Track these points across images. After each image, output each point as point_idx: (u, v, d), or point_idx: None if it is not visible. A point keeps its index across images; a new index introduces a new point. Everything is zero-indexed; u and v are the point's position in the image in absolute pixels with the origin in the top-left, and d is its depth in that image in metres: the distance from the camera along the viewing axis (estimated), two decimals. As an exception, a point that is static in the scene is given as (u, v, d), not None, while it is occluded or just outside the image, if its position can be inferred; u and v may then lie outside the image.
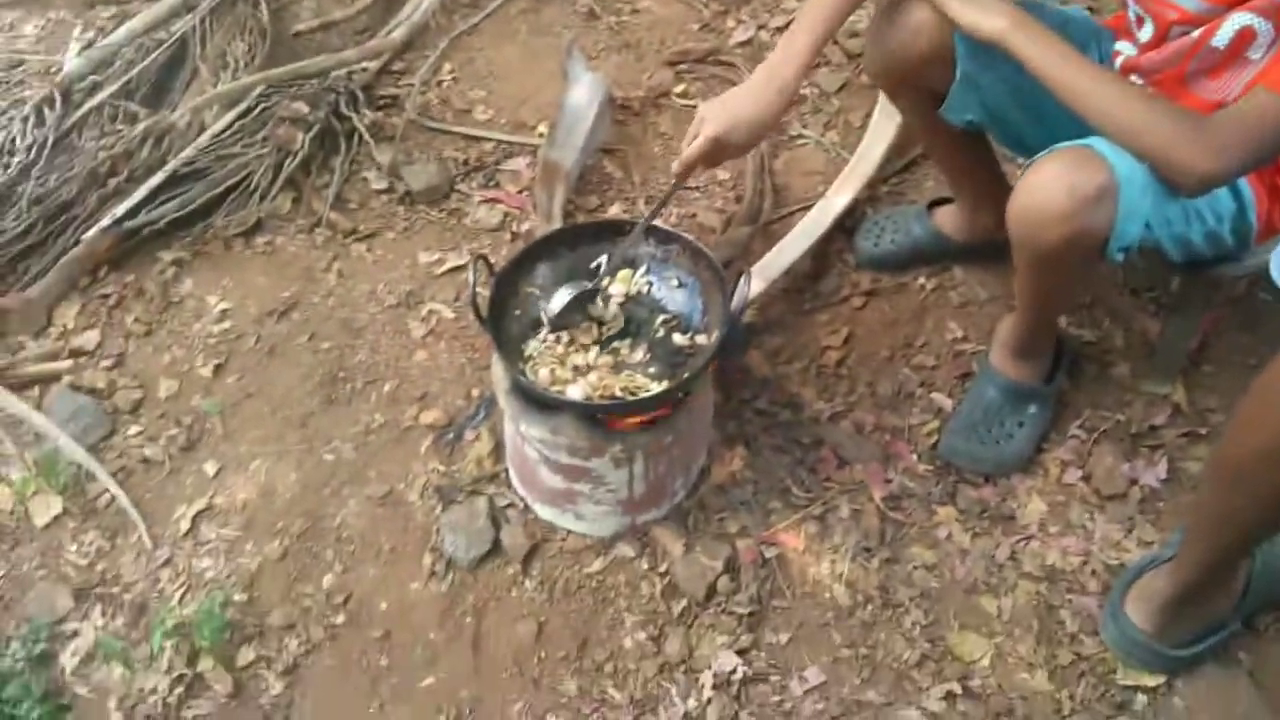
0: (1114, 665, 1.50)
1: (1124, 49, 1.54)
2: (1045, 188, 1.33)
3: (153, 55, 2.34)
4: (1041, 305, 1.59)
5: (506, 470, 1.71)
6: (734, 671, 1.51)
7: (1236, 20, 1.32)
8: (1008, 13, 1.34)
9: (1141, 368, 1.80)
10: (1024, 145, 1.62)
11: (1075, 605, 1.56)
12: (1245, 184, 1.43)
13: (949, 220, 1.92)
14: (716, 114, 1.44)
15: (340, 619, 1.59)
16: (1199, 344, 1.82)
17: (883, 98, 2.20)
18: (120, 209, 2.04)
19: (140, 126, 2.15)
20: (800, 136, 2.29)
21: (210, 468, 1.77)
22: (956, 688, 1.49)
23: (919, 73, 1.57)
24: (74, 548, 1.69)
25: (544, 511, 1.66)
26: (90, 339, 1.95)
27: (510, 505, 1.68)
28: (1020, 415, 1.70)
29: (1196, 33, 1.37)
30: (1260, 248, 1.55)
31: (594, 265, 1.64)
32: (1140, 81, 1.50)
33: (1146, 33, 1.46)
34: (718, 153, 1.46)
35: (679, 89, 2.41)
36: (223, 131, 2.17)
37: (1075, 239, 1.34)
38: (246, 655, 1.56)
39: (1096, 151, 1.31)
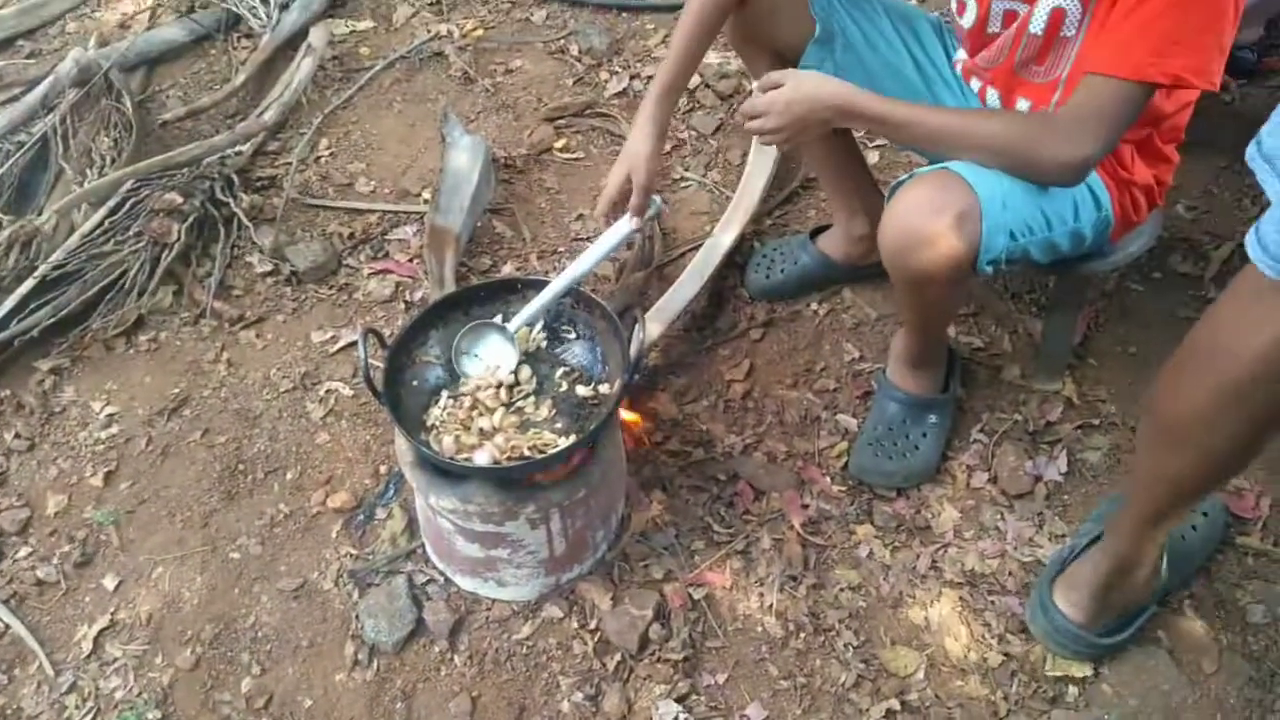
0: (1042, 659, 1.53)
1: (960, 57, 1.66)
2: (911, 214, 1.39)
3: (12, 159, 2.25)
4: (925, 320, 1.64)
5: (422, 546, 1.67)
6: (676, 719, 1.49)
7: (1046, 4, 1.42)
8: (843, 88, 1.44)
9: (1030, 367, 1.87)
10: None
11: (999, 606, 1.59)
12: (1098, 180, 1.50)
13: (831, 243, 1.97)
14: (619, 162, 1.60)
15: (263, 722, 1.52)
16: (1081, 339, 1.89)
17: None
18: (-11, 321, 1.95)
19: (4, 233, 2.05)
20: (683, 179, 2.32)
21: (110, 582, 1.69)
22: (895, 704, 1.49)
23: (760, 29, 1.66)
24: (-33, 686, 1.58)
25: (465, 583, 1.62)
26: (-33, 461, 1.85)
27: (430, 581, 1.64)
28: (922, 426, 1.74)
29: (1013, 26, 1.48)
30: (1121, 242, 1.63)
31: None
32: (979, 82, 1.62)
33: (969, 18, 1.55)
34: (627, 193, 1.60)
35: (560, 143, 2.43)
36: (93, 230, 2.09)
37: (945, 259, 1.39)
38: (167, 775, 1.48)
39: (955, 173, 1.37)
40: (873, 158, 2.26)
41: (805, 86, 1.43)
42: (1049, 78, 1.49)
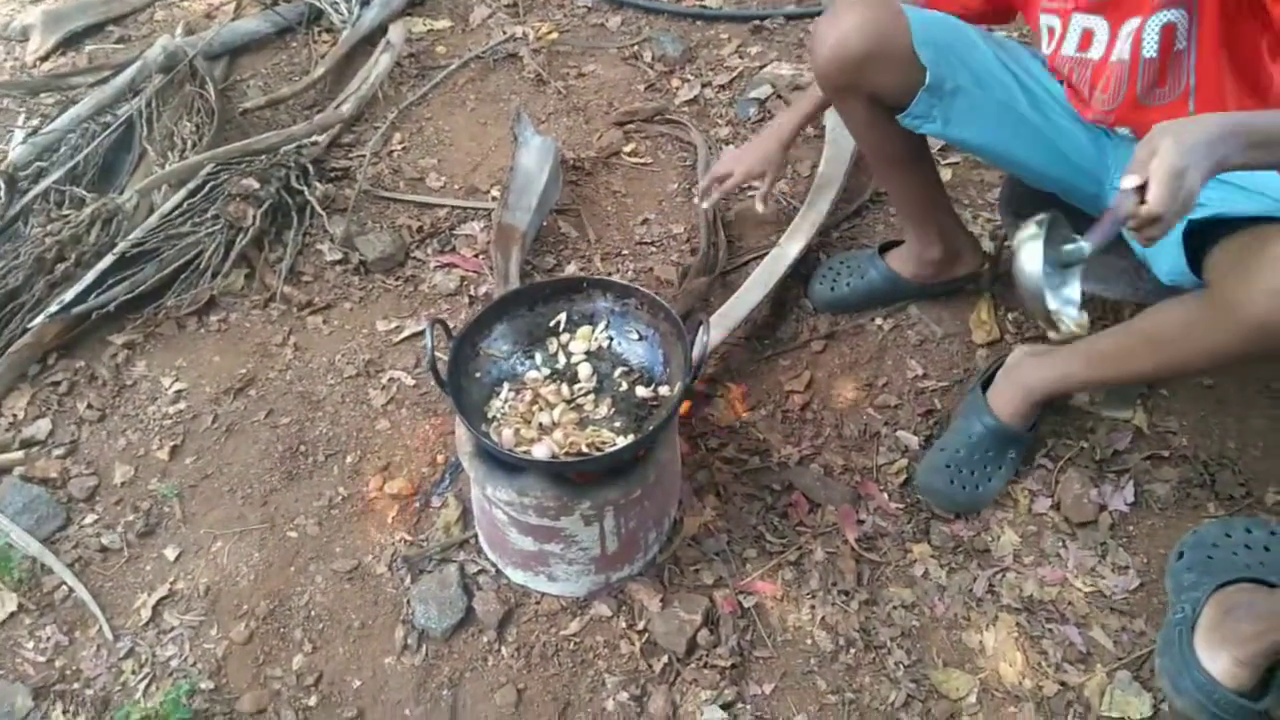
0: (1099, 693, 1.50)
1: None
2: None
3: (98, 139, 2.34)
4: (909, 196, 1.72)
5: (476, 536, 1.69)
6: (720, 726, 1.49)
7: (1155, 24, 1.37)
8: (1217, 116, 1.19)
9: (1100, 394, 1.83)
10: (998, 156, 1.68)
11: (1057, 634, 1.57)
12: None
13: (900, 260, 1.96)
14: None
15: (312, 700, 1.55)
16: (1154, 367, 1.85)
17: (827, 147, 2.26)
18: (68, 294, 2.01)
19: (87, 210, 2.13)
20: (751, 189, 2.32)
21: (170, 553, 1.73)
22: (945, 727, 1.48)
23: (859, 75, 1.59)
24: (31, 644, 1.63)
25: (516, 575, 1.64)
26: (41, 428, 1.91)
27: (481, 571, 1.66)
28: (1002, 459, 1.71)
29: (1126, 55, 1.42)
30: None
31: (553, 324, 1.65)
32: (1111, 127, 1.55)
33: (1047, 41, 1.52)
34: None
35: (628, 148, 2.45)
36: (172, 211, 2.16)
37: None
38: (215, 745, 1.51)
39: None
40: (945, 175, 2.24)
41: (1185, 137, 1.14)
42: (1176, 95, 1.44)
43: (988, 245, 2.05)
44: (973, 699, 1.51)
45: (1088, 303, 1.26)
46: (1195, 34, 1.37)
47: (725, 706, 1.50)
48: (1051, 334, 1.23)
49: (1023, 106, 1.58)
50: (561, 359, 1.63)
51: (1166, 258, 1.40)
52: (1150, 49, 1.40)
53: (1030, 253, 1.17)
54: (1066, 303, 1.21)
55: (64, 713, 1.55)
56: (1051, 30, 1.53)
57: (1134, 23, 1.40)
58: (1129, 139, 1.54)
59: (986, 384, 1.74)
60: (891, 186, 1.88)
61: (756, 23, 2.76)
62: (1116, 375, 1.59)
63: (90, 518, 1.79)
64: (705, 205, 2.10)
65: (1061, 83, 1.61)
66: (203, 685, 1.56)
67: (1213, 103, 1.41)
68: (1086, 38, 1.47)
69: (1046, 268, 1.17)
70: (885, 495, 1.74)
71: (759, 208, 2.02)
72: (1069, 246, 1.20)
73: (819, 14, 2.68)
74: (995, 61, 1.58)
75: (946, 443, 1.73)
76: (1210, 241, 1.33)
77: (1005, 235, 1.82)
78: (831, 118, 2.33)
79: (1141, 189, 1.15)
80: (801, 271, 2.06)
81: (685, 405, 1.80)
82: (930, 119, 1.58)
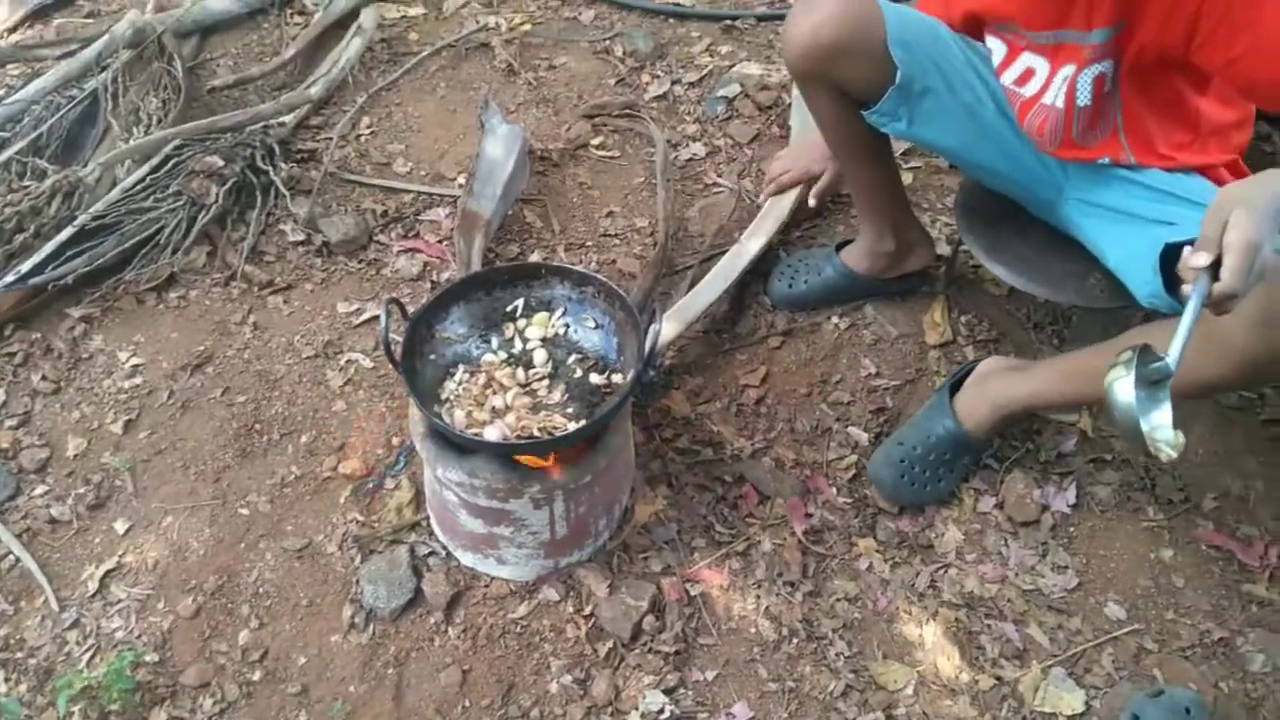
0: (1033, 689, 1.53)
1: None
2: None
3: (63, 111, 2.33)
4: (867, 187, 1.78)
5: (427, 518, 1.70)
6: (661, 711, 1.51)
7: (1089, 75, 1.43)
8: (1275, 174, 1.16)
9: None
10: (960, 158, 1.72)
11: (994, 630, 1.60)
12: None
13: (855, 256, 1.99)
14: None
15: (257, 675, 1.56)
16: (1099, 373, 1.90)
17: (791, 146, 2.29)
18: (26, 265, 2.00)
19: (48, 182, 2.12)
20: (715, 185, 2.35)
21: (120, 526, 1.73)
22: (882, 717, 1.51)
23: (828, 66, 1.60)
24: (-27, 614, 1.63)
25: (466, 558, 1.65)
26: (-7, 398, 1.90)
27: (432, 553, 1.67)
28: (956, 465, 1.73)
29: (1060, 103, 1.47)
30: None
31: (510, 309, 1.66)
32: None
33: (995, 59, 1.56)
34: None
35: (596, 141, 2.47)
36: (134, 186, 2.15)
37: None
38: (158, 717, 1.51)
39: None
40: (906, 179, 2.27)
41: (1258, 204, 1.10)
42: (1108, 133, 1.50)
43: (944, 249, 2.09)
44: (910, 691, 1.54)
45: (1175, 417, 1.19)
46: (1118, 79, 1.43)
47: (667, 692, 1.53)
48: (1151, 459, 1.20)
49: (989, 111, 1.61)
50: (518, 344, 1.65)
51: (1142, 279, 1.41)
52: (1084, 98, 1.45)
53: (1123, 388, 1.14)
54: (1158, 427, 1.18)
55: (5, 680, 1.55)
56: (993, 52, 1.56)
57: (1068, 70, 1.45)
58: None
59: (956, 387, 1.76)
60: (851, 177, 1.91)
61: (728, 22, 2.78)
62: (1090, 397, 1.59)
63: (40, 489, 1.78)
64: (764, 200, 2.14)
65: None
66: (147, 658, 1.56)
67: (1140, 134, 1.48)
68: (1027, 74, 1.52)
69: (1139, 392, 1.15)
70: (834, 490, 1.77)
71: (811, 203, 2.05)
72: (1155, 365, 1.17)
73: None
74: (966, 64, 1.61)
75: (905, 437, 1.74)
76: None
77: (960, 240, 1.85)
78: (796, 118, 2.36)
79: (1215, 264, 1.10)
80: (762, 269, 2.09)
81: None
82: (896, 118, 1.61)
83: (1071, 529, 1.72)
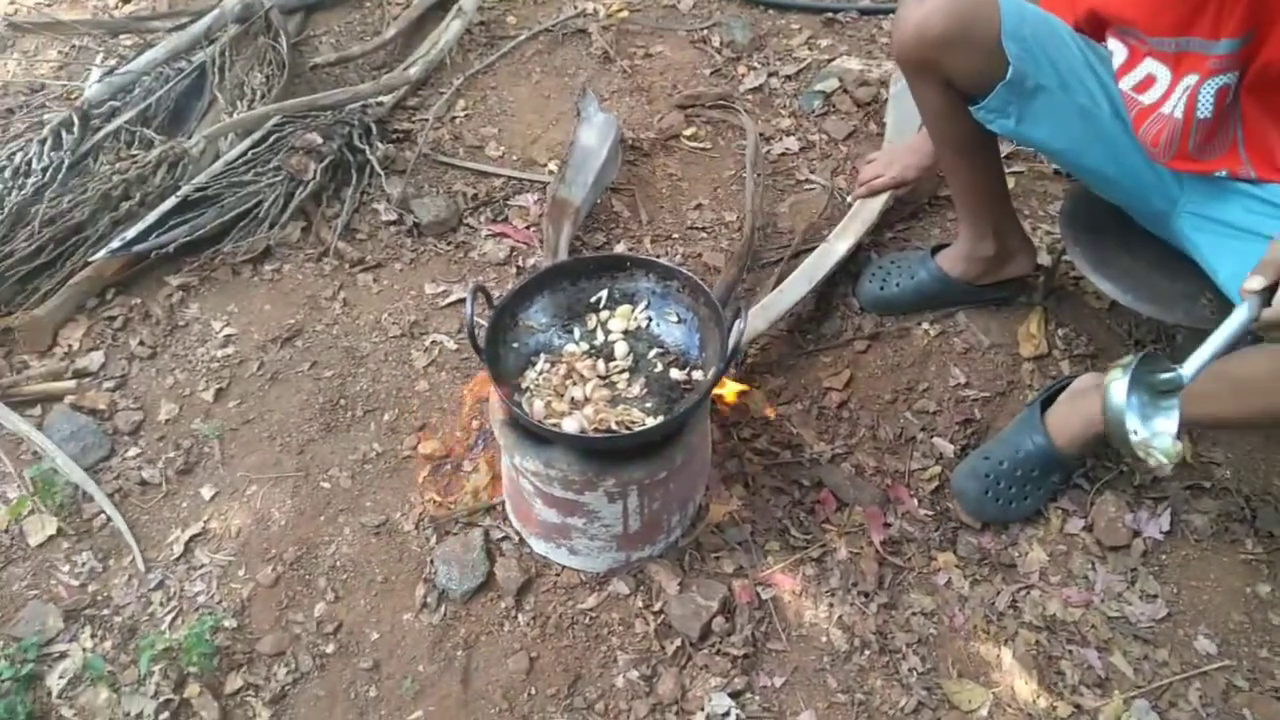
0: (1115, 718, 1.48)
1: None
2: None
3: (171, 83, 2.39)
4: (970, 186, 1.72)
5: (503, 503, 1.71)
6: (727, 714, 1.49)
7: (1212, 86, 1.36)
8: None
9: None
10: (1069, 162, 1.65)
11: (1076, 656, 1.55)
12: None
13: (951, 259, 1.93)
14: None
15: (330, 648, 1.58)
16: (1204, 396, 1.81)
17: (887, 144, 2.23)
18: (130, 232, 2.06)
19: (155, 152, 2.18)
20: (808, 181, 2.31)
21: (207, 492, 1.78)
22: (953, 738, 1.47)
23: (938, 55, 1.56)
24: (67, 568, 1.68)
25: (539, 545, 1.65)
26: (94, 360, 1.96)
27: (505, 538, 1.68)
28: (1044, 483, 1.68)
29: (1180, 114, 1.41)
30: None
31: (593, 300, 1.65)
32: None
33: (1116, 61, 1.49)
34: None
35: (689, 132, 2.44)
36: (236, 160, 2.20)
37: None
38: (234, 682, 1.55)
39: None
40: (1008, 183, 2.20)
41: None
42: (1226, 147, 1.44)
43: (1045, 258, 2.02)
44: (984, 712, 1.50)
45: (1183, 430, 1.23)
46: (1240, 91, 1.37)
47: (734, 695, 1.51)
48: (1141, 467, 1.21)
49: (1105, 114, 1.54)
50: (599, 335, 1.64)
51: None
52: (1205, 110, 1.39)
53: (1117, 389, 1.16)
54: (1158, 434, 1.19)
55: (92, 636, 1.60)
56: (1114, 55, 1.50)
57: (1191, 80, 1.38)
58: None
59: (1047, 403, 1.70)
60: (953, 174, 1.84)
61: (829, 15, 2.73)
62: (1194, 417, 1.48)
63: (133, 451, 1.84)
64: (853, 200, 2.10)
65: None
66: (226, 623, 1.60)
67: (1261, 148, 1.41)
68: (1147, 81, 1.45)
69: (1143, 396, 1.17)
70: (915, 501, 1.73)
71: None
72: (1165, 375, 1.17)
73: (893, 10, 2.64)
74: (1084, 65, 1.54)
75: (991, 451, 1.70)
76: None
77: (1064, 249, 1.78)
78: (892, 116, 2.30)
79: (1270, 289, 1.10)
80: (851, 269, 2.05)
81: (731, 393, 1.80)
82: (1005, 114, 1.55)
83: (1163, 557, 1.65)
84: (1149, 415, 1.19)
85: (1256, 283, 1.10)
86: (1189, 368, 1.16)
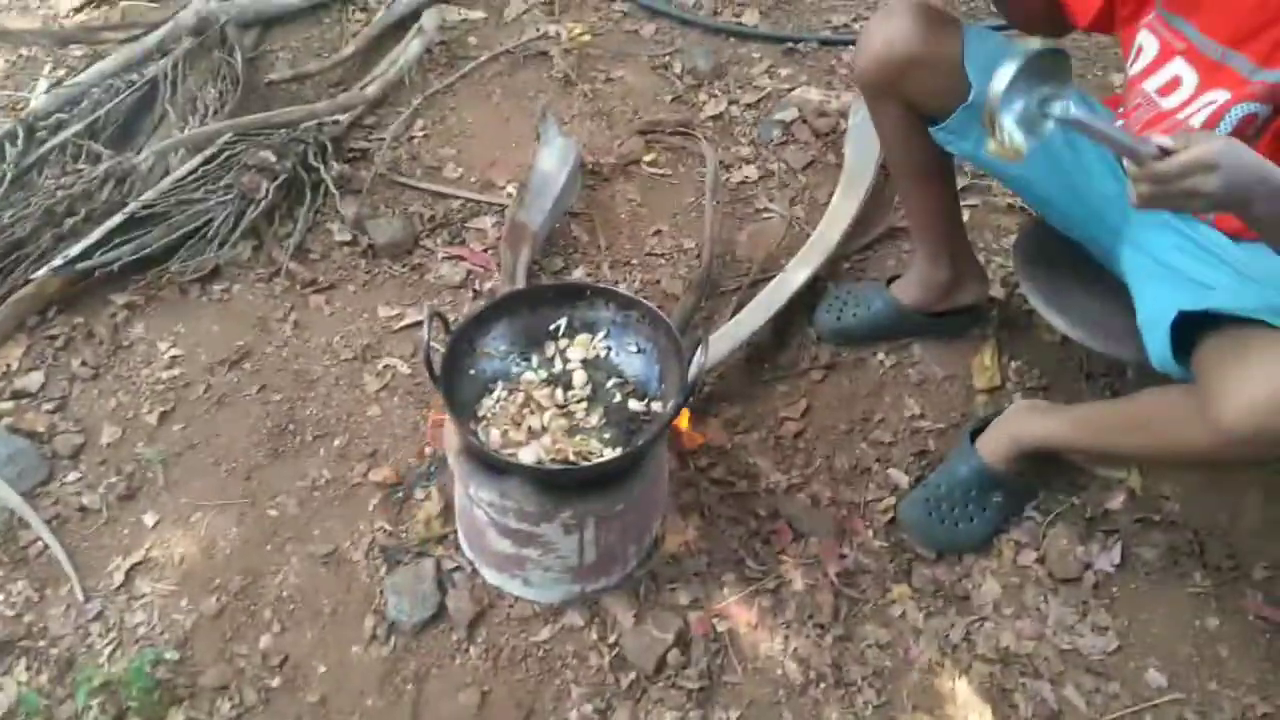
0: (1065, 754, 1.49)
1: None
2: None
3: (121, 96, 2.34)
4: (925, 211, 1.72)
5: (455, 533, 1.68)
6: (681, 749, 1.48)
7: (1240, 111, 1.34)
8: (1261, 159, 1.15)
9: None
10: (1022, 189, 1.67)
11: (1029, 689, 1.55)
12: None
13: (905, 287, 1.95)
14: None
15: (276, 681, 1.54)
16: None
17: (845, 177, 2.25)
18: (74, 249, 2.01)
19: (102, 167, 2.13)
20: (766, 210, 2.32)
21: (149, 519, 1.73)
22: (906, 772, 1.47)
23: (900, 77, 1.58)
24: (1, 598, 1.62)
25: (492, 576, 1.63)
26: (34, 380, 1.91)
27: (458, 569, 1.65)
28: (985, 502, 1.70)
29: (1197, 126, 1.38)
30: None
31: (553, 327, 1.64)
32: None
33: (1140, 63, 1.46)
34: None
35: (649, 157, 2.44)
36: (186, 176, 2.16)
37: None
38: (176, 717, 1.50)
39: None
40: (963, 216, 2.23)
41: (1242, 153, 1.12)
42: None
43: (998, 291, 2.04)
44: (938, 747, 1.50)
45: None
46: (1265, 128, 1.35)
47: (688, 729, 1.49)
48: (990, 144, 1.21)
49: (1057, 142, 1.56)
50: (558, 364, 1.63)
51: (1155, 342, 1.36)
52: (1224, 131, 1.35)
53: (1003, 74, 1.15)
54: (1018, 128, 1.19)
55: (27, 669, 1.54)
56: (1141, 51, 1.46)
57: (1220, 95, 1.36)
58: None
59: (978, 433, 1.74)
60: (910, 200, 1.86)
61: (790, 45, 2.75)
62: (1098, 447, 1.60)
63: (73, 475, 1.78)
64: None
65: (1113, 108, 1.59)
66: (168, 655, 1.55)
67: None
68: (1173, 83, 1.42)
69: (1022, 87, 1.15)
70: (870, 532, 1.73)
71: None
72: (1059, 103, 1.18)
73: (852, 42, 2.68)
74: None
75: (930, 480, 1.74)
76: (1204, 333, 1.30)
77: (1017, 282, 1.81)
78: (850, 147, 2.32)
79: (1165, 153, 1.11)
80: (808, 300, 2.05)
81: (684, 422, 1.79)
82: (964, 137, 1.57)
83: (1114, 589, 1.67)
84: (1020, 109, 1.18)
85: (1163, 140, 1.11)
86: (1075, 107, 1.17)
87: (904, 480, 1.80)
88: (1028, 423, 1.67)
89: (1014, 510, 1.74)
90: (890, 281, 1.99)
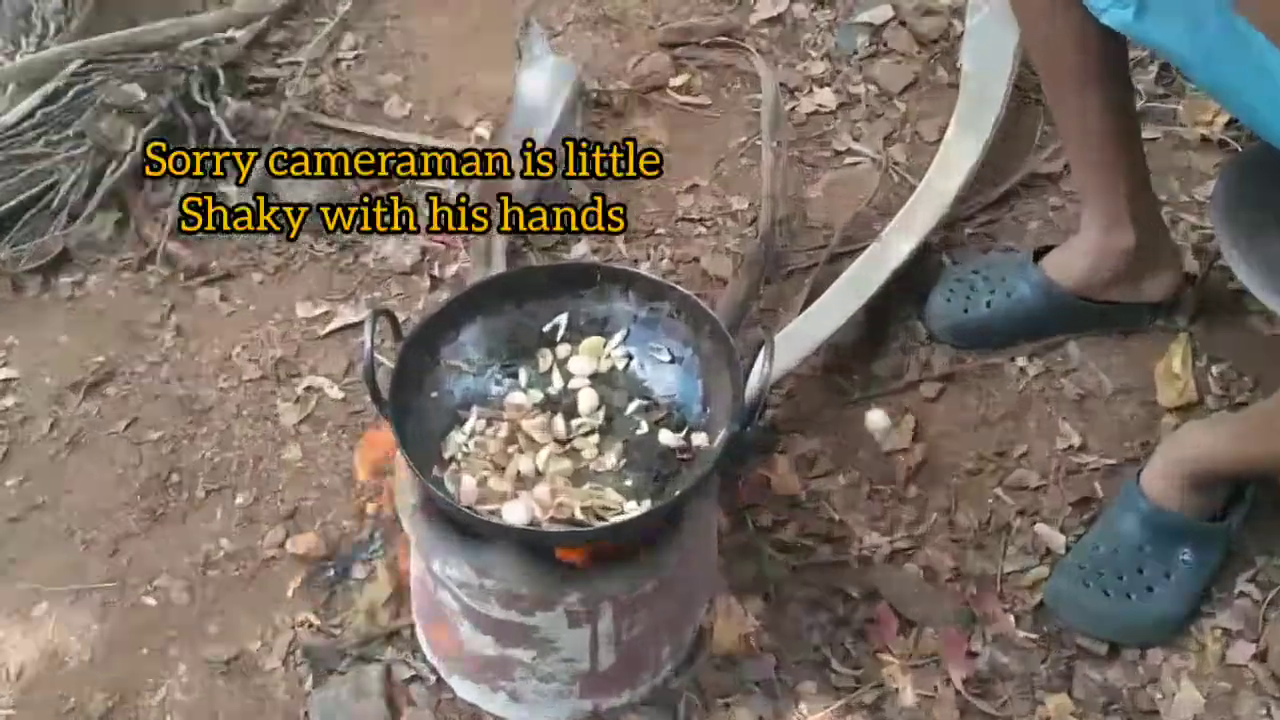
0: None
1: None
2: None
3: (-80, 10, 2.38)
4: (1094, 137, 1.72)
5: (412, 627, 1.70)
6: None
7: None
8: None
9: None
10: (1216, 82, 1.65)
11: (1245, 844, 1.55)
12: None
13: (1065, 261, 1.95)
14: None
15: None
16: None
17: (963, 101, 2.25)
18: None
19: (-99, 113, 2.17)
20: (850, 152, 2.33)
21: (-26, 613, 1.75)
22: None
23: None
24: None
25: (465, 689, 1.64)
26: None
27: (416, 678, 1.67)
28: (1168, 561, 1.70)
29: None
30: None
31: (548, 329, 1.64)
32: None
33: None
34: None
35: (678, 81, 2.47)
36: (20, 123, 2.19)
37: None
38: None
39: None
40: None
41: None
42: None
43: (1191, 264, 2.04)
44: None
45: None
46: None
47: None
48: None
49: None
50: (557, 381, 1.63)
51: None
52: None
53: None
54: None
55: None
56: None
57: None
58: None
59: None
60: (1071, 121, 1.84)
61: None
62: (1265, 455, 1.62)
63: None
64: None
65: None
66: (2, 811, 1.57)
67: None
68: None
69: None
70: (1012, 618, 1.74)
71: None
72: None
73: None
74: None
75: (1086, 540, 1.76)
76: None
77: (1218, 252, 1.80)
78: (969, 58, 2.31)
79: None
80: (915, 279, 2.06)
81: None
82: (1122, 3, 1.56)
83: (1368, 695, 1.67)
84: None
85: None
86: None
87: (1059, 541, 1.80)
88: (1190, 438, 1.70)
89: (1214, 575, 1.74)
90: (1039, 255, 1.99)
